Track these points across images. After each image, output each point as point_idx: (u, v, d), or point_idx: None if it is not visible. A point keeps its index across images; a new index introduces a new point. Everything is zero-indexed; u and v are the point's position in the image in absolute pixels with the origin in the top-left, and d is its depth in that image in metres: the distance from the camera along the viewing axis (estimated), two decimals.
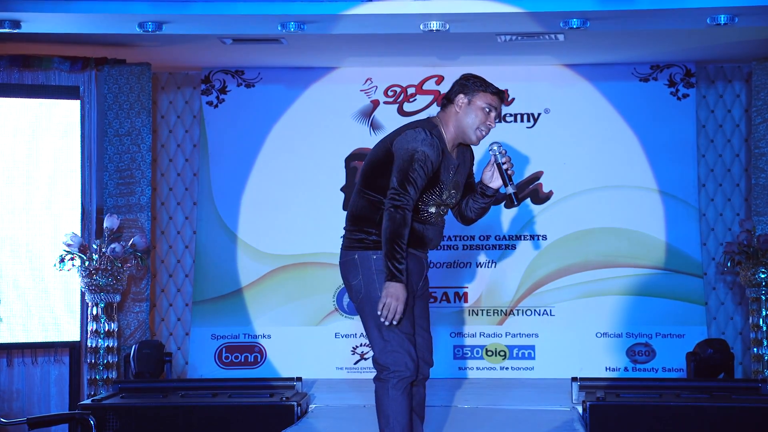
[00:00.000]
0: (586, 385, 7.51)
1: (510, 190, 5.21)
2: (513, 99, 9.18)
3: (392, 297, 4.94)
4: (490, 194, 5.27)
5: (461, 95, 5.17)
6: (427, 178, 5.03)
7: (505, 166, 5.18)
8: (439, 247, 9.07)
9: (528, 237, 9.10)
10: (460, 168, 5.22)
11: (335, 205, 9.16)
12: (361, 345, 8.99)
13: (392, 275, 4.94)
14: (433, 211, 5.14)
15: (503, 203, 8.97)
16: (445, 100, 5.25)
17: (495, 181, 5.24)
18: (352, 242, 5.15)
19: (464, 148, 5.28)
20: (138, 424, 7.08)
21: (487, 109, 5.13)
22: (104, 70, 8.61)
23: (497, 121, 5.19)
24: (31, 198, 8.37)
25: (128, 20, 7.38)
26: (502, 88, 9.23)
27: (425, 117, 5.38)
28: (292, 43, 8.26)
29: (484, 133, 5.14)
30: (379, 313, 4.95)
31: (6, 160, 8.34)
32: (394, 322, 4.96)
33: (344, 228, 5.26)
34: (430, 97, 9.17)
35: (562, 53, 8.78)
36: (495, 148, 5.20)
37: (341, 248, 5.26)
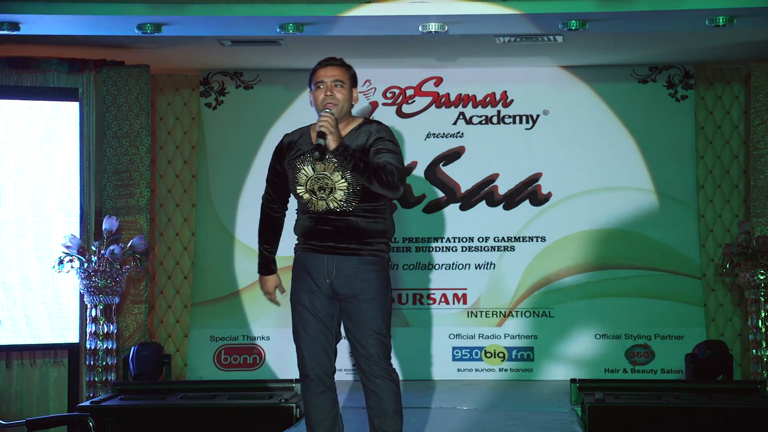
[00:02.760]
0: (585, 386, 7.50)
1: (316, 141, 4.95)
2: (512, 100, 9.18)
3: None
4: (331, 154, 4.96)
5: (308, 89, 5.17)
6: (274, 170, 5.19)
7: (319, 125, 4.94)
8: (438, 249, 9.15)
9: (527, 238, 9.10)
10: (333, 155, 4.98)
11: None
12: None
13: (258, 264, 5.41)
14: (306, 198, 5.04)
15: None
16: None
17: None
18: None
19: (358, 132, 5.06)
20: (137, 425, 7.08)
21: (318, 86, 5.04)
22: (103, 71, 8.61)
23: (332, 89, 5.02)
24: (30, 200, 8.36)
25: (127, 22, 7.37)
26: (500, 89, 9.27)
27: None
28: (290, 45, 8.26)
29: (329, 105, 4.97)
30: None
31: (5, 162, 8.34)
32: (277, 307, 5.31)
33: None
34: (429, 99, 9.17)
35: (561, 55, 8.78)
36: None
37: None
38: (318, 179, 5.00)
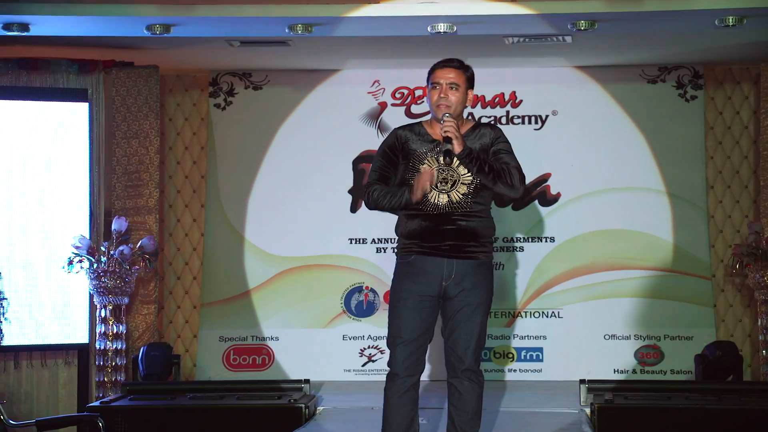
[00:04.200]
0: (594, 387, 7.49)
1: (443, 146, 5.14)
2: (521, 101, 9.17)
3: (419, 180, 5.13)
4: (458, 157, 5.15)
5: (427, 86, 5.33)
6: (388, 158, 5.27)
7: (444, 130, 5.14)
8: None
9: (536, 239, 9.09)
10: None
11: (343, 207, 9.16)
12: (368, 347, 8.98)
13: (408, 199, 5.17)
14: (427, 195, 5.16)
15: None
16: None
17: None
18: None
19: (476, 133, 5.27)
20: (146, 426, 7.08)
21: (434, 86, 5.23)
22: (112, 72, 8.63)
23: (448, 91, 5.21)
24: (40, 200, 8.38)
25: (136, 23, 7.39)
26: (509, 90, 9.25)
27: None
28: (299, 45, 8.27)
29: (442, 107, 5.18)
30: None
31: (15, 163, 8.36)
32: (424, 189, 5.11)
33: None
34: None
35: (570, 55, 8.77)
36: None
37: None
38: (442, 170, 5.16)
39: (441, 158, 5.11)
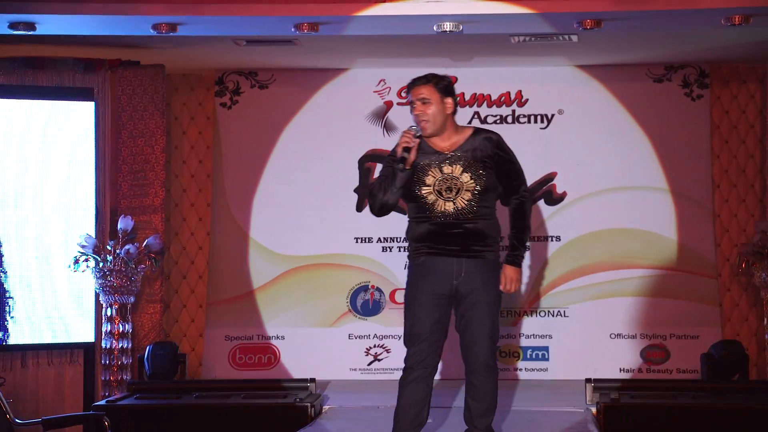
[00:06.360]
0: (600, 386, 7.48)
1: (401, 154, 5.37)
2: (527, 100, 9.17)
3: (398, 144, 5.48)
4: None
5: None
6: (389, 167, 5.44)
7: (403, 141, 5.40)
8: None
9: (542, 238, 9.09)
10: (460, 159, 5.39)
11: (348, 207, 9.16)
12: (374, 346, 8.99)
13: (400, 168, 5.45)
14: (431, 200, 5.35)
15: None
16: None
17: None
18: None
19: (475, 140, 5.45)
20: (152, 424, 7.10)
21: (411, 105, 5.46)
22: (118, 71, 8.63)
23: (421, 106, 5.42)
24: (46, 199, 8.40)
25: (143, 22, 7.39)
26: (515, 89, 9.23)
27: None
28: (305, 45, 8.27)
29: (422, 122, 5.39)
30: None
31: (21, 162, 8.37)
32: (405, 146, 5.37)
33: None
34: None
35: (576, 54, 8.77)
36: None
37: None
38: (446, 180, 5.35)
39: (398, 165, 5.32)
